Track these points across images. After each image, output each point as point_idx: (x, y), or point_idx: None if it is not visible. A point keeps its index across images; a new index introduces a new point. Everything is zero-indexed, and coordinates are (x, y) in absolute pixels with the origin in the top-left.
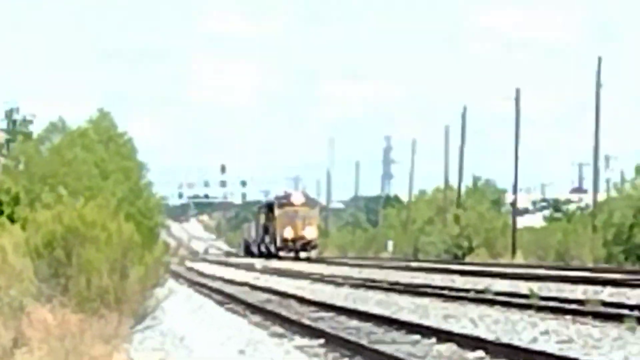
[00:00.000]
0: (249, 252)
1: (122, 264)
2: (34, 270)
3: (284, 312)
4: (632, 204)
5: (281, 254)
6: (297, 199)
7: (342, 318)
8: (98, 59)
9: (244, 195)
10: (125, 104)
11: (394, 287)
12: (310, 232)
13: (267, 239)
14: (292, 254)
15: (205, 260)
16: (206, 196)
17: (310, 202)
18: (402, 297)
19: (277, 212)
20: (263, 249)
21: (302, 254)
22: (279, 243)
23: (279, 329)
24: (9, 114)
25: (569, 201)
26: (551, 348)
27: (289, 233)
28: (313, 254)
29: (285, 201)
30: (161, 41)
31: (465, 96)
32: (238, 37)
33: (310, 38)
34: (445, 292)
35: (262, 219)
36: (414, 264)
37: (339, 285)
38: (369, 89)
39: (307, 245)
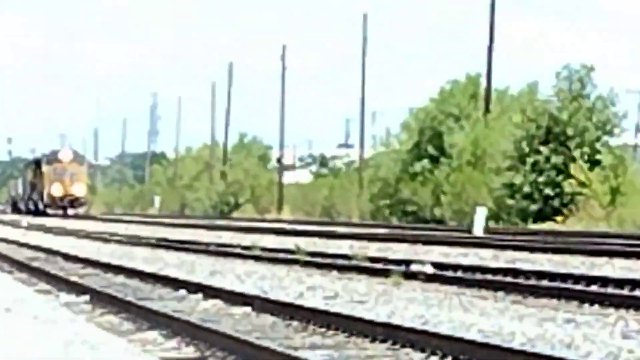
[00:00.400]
0: (16, 209)
1: None
2: None
3: (50, 269)
4: (397, 158)
5: (49, 210)
6: (65, 155)
7: (109, 275)
8: None
9: (9, 152)
10: None
11: (160, 244)
12: (78, 189)
13: (35, 195)
14: (60, 211)
15: None
16: None
17: (78, 159)
18: (168, 253)
19: (44, 168)
20: (31, 205)
21: (70, 211)
22: (46, 200)
23: (45, 286)
24: None
25: (335, 157)
26: (317, 303)
27: (56, 190)
28: (81, 210)
29: (52, 158)
30: None
31: (232, 52)
32: None
33: None
34: (212, 248)
35: (30, 175)
36: (180, 220)
37: (106, 241)
38: (135, 47)
39: (75, 202)
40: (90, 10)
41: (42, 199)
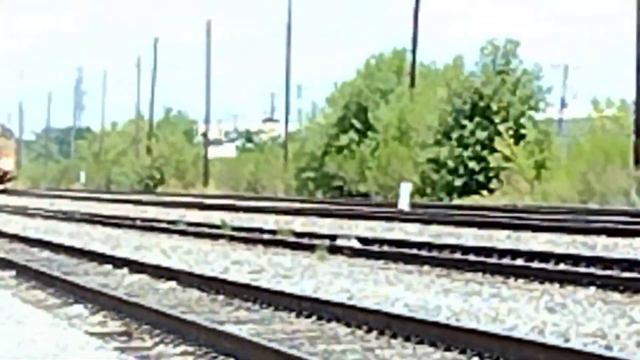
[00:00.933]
0: None
1: None
2: None
3: None
4: (323, 132)
5: None
6: None
7: (35, 250)
8: None
9: None
10: None
11: (85, 218)
12: (6, 164)
13: None
14: None
15: None
16: None
17: (6, 133)
18: (94, 228)
19: None
20: None
21: None
22: None
23: None
24: None
25: (260, 131)
26: (243, 277)
27: None
28: (9, 185)
29: None
30: None
31: (157, 28)
32: None
33: None
34: (138, 223)
35: None
36: (106, 195)
37: (31, 216)
38: (59, 20)
39: (3, 178)
40: None
41: None
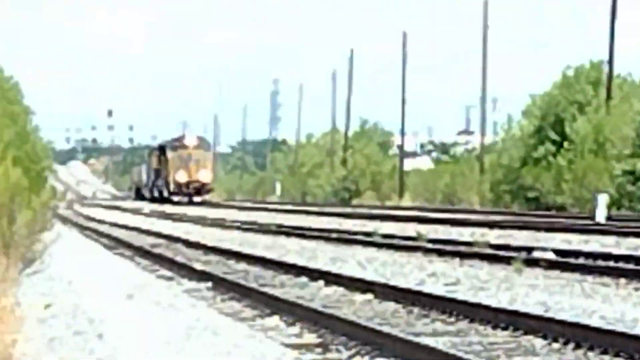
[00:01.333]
0: (139, 197)
1: (10, 208)
2: None
3: (172, 256)
4: (519, 144)
5: (174, 198)
6: (191, 141)
7: (231, 262)
8: None
9: (131, 140)
10: (14, 47)
11: (281, 231)
12: (204, 175)
13: (160, 182)
14: (185, 198)
15: (93, 204)
16: (94, 140)
17: (204, 145)
18: (289, 240)
19: (169, 155)
20: (155, 193)
21: (196, 198)
22: (172, 187)
23: (167, 273)
24: None
25: (456, 144)
26: (438, 290)
27: (182, 176)
28: (207, 197)
29: (178, 144)
30: None
31: (353, 40)
32: None
33: None
34: (333, 235)
35: (154, 162)
36: (302, 207)
37: (227, 229)
38: (257, 33)
39: (201, 189)
40: None
41: (167, 186)
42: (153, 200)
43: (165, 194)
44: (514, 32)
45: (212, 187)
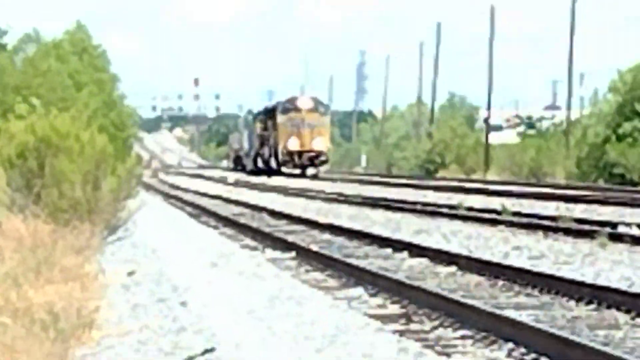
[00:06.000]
0: (239, 166)
1: (95, 175)
2: (7, 180)
3: (255, 225)
4: (604, 119)
5: (284, 169)
6: (305, 103)
7: (315, 232)
8: None
9: (217, 109)
10: (101, 17)
11: (366, 202)
12: (319, 144)
13: (266, 151)
14: (297, 170)
15: (178, 173)
16: (180, 109)
17: (320, 108)
18: (374, 211)
19: (279, 119)
20: (260, 163)
21: (310, 170)
22: (281, 157)
23: (251, 242)
24: None
25: (542, 118)
26: (523, 263)
27: (294, 144)
28: (322, 169)
29: (290, 105)
30: None
31: (440, 12)
32: None
33: None
34: (418, 207)
35: (259, 127)
36: (387, 179)
37: (312, 199)
38: (344, 5)
39: (315, 160)
40: None
41: (275, 156)
42: (257, 171)
43: (273, 164)
44: (603, 6)
45: (328, 157)
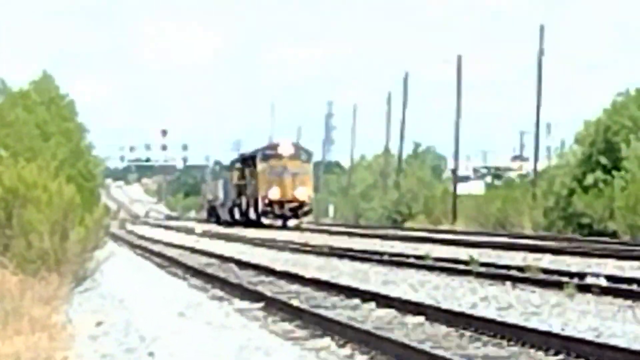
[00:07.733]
0: (213, 217)
1: (63, 225)
2: None
3: (223, 275)
4: (570, 171)
5: (264, 220)
6: (286, 149)
7: (282, 282)
8: (42, 18)
9: (184, 159)
10: (68, 65)
11: (334, 252)
12: (302, 193)
13: (244, 201)
14: (278, 221)
15: (145, 223)
16: (147, 159)
17: (302, 155)
18: (342, 261)
19: (259, 166)
20: (237, 214)
21: (292, 221)
22: (261, 207)
23: (219, 292)
24: None
25: (509, 169)
26: (491, 314)
27: (275, 194)
28: (305, 220)
29: (271, 152)
30: (107, 1)
31: (407, 62)
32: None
33: (252, 1)
34: (386, 257)
35: (236, 176)
36: (354, 230)
37: (280, 249)
38: (310, 54)
39: (298, 210)
40: (264, 18)
41: (254, 206)
42: (233, 223)
43: (252, 215)
44: (570, 56)
45: (311, 208)
